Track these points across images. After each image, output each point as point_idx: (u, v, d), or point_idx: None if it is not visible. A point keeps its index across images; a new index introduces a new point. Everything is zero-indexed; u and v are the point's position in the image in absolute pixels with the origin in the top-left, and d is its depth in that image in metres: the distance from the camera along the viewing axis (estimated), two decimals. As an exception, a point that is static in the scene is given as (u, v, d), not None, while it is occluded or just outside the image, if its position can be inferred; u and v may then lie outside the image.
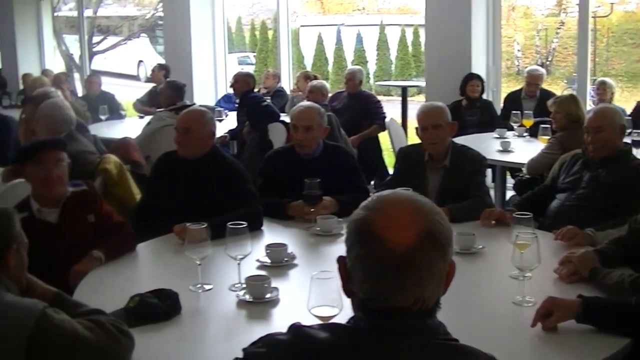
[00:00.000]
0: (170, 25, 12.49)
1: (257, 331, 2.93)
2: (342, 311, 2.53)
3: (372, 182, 8.89)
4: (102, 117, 9.89)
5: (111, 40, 24.40)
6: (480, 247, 3.90)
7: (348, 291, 1.86)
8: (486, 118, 8.89)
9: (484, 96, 9.22)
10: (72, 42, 21.60)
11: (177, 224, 4.04)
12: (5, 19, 15.49)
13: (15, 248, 2.74)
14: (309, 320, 2.49)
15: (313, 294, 2.56)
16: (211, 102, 11.26)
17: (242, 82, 9.15)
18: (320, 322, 2.54)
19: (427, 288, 1.76)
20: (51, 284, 2.95)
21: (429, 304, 1.78)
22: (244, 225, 3.38)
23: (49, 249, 3.67)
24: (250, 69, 14.40)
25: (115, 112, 10.64)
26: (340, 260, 1.85)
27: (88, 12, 18.03)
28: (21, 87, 13.50)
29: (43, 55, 15.84)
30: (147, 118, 8.84)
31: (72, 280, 3.62)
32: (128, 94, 15.88)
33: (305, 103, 5.24)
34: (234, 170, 4.54)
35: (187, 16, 11.71)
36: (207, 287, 3.38)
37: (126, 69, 24.73)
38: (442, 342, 1.76)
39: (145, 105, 10.98)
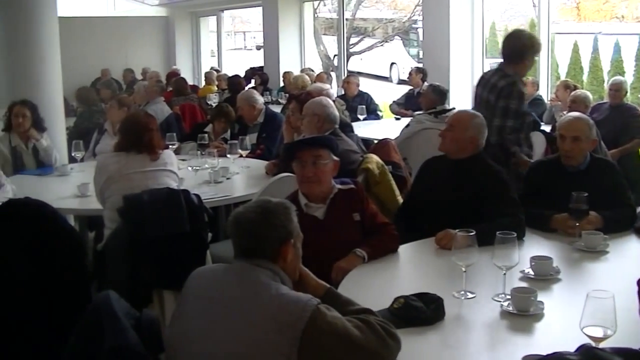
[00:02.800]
0: (429, 28, 12.50)
1: (521, 345, 2.92)
2: (616, 334, 2.45)
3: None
4: (360, 117, 10.13)
5: (367, 42, 24.93)
6: None
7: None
8: None
9: None
10: (328, 42, 22.28)
11: (440, 231, 4.06)
12: (270, 19, 16.22)
13: (292, 242, 2.85)
14: (576, 339, 2.42)
15: (587, 313, 2.49)
16: (467, 107, 11.17)
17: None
18: (592, 342, 2.47)
19: None
20: (313, 278, 3.05)
21: None
22: (514, 235, 3.31)
23: (314, 243, 3.66)
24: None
25: (372, 112, 10.85)
26: (641, 283, 1.78)
27: (346, 14, 18.48)
28: (281, 84, 14.10)
29: (303, 54, 16.42)
30: (404, 120, 8.94)
31: (334, 276, 3.71)
32: (380, 95, 16.14)
33: (574, 113, 5.09)
34: (500, 179, 4.48)
35: (446, 20, 11.65)
36: (470, 294, 3.35)
37: (379, 70, 25.07)
38: None
39: (401, 107, 11.14)
